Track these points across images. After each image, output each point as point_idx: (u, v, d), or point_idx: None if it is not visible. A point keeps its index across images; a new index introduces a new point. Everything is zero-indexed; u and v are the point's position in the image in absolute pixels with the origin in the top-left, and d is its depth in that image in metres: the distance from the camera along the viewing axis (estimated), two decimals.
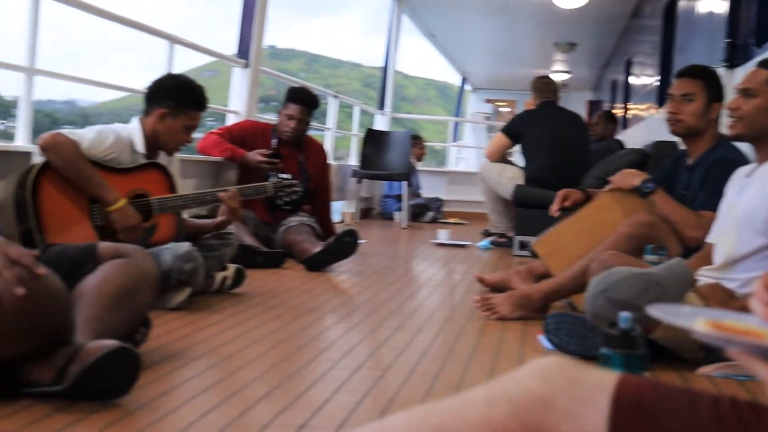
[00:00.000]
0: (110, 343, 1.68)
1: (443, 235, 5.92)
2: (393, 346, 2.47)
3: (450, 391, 1.99)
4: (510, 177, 5.65)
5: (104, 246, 2.06)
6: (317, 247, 4.15)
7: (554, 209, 3.26)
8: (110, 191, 2.87)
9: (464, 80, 15.70)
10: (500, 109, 17.68)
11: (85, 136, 2.89)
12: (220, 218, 3.29)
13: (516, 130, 5.75)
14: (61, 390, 1.64)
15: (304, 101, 4.74)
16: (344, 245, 4.13)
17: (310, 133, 5.00)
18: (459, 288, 3.81)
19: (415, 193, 8.23)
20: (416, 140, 8.57)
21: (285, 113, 4.74)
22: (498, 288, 3.49)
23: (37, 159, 2.86)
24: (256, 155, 4.55)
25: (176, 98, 3.13)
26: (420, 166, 8.91)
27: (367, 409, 1.81)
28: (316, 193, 4.89)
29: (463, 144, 14.60)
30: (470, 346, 2.51)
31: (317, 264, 4.08)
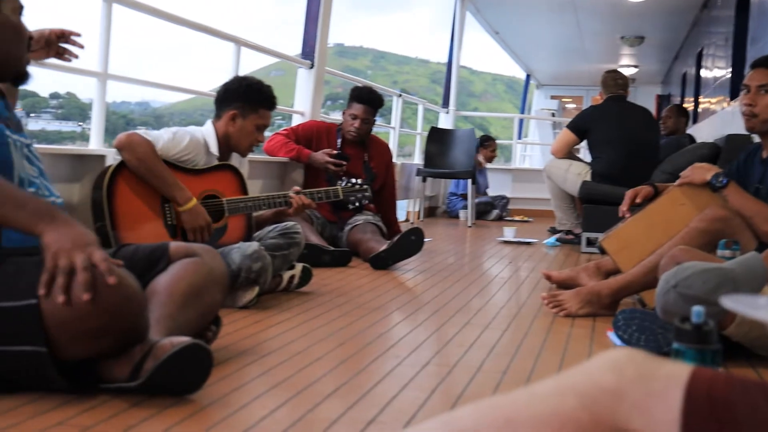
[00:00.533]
0: (183, 339, 1.71)
1: (509, 232, 5.88)
2: (460, 343, 2.47)
3: (518, 387, 1.98)
4: (577, 173, 5.58)
5: (175, 245, 2.10)
6: (383, 246, 4.17)
7: (624, 209, 3.20)
8: (182, 191, 2.94)
9: (529, 77, 15.56)
10: (566, 105, 17.49)
11: (161, 136, 2.97)
12: (280, 209, 3.34)
13: (583, 125, 5.67)
14: (136, 386, 1.68)
15: (368, 100, 4.76)
16: (410, 243, 4.14)
17: (375, 132, 5.02)
18: (526, 285, 3.78)
19: (482, 191, 8.19)
20: (488, 141, 8.50)
21: (349, 113, 4.77)
22: (565, 285, 3.45)
23: (110, 161, 2.94)
24: (322, 155, 4.58)
25: (245, 99, 3.20)
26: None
27: (435, 405, 1.81)
28: (380, 192, 4.91)
29: (528, 141, 14.48)
30: (538, 343, 2.49)
31: (383, 262, 4.10)
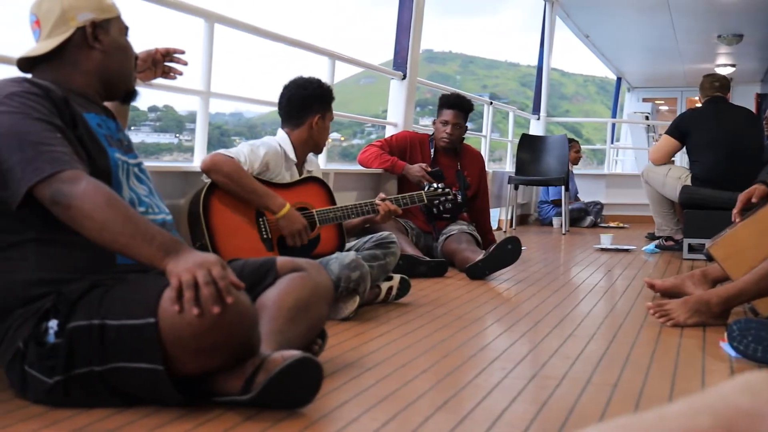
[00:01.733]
0: (294, 353, 1.74)
1: (606, 239, 5.77)
2: (565, 354, 2.43)
3: (631, 401, 1.94)
4: (676, 177, 5.45)
5: (282, 260, 2.14)
6: (479, 255, 4.15)
7: (736, 213, 3.10)
8: (275, 198, 3.01)
9: (620, 79, 15.26)
10: (659, 107, 17.07)
11: (241, 152, 3.05)
12: (368, 216, 3.38)
13: (682, 129, 5.53)
14: (248, 399, 1.71)
15: (457, 104, 4.76)
16: (507, 253, 4.11)
17: (466, 140, 5.01)
18: (628, 294, 3.70)
19: (574, 197, 8.07)
20: (571, 143, 8.37)
21: (440, 120, 4.77)
22: (670, 294, 3.37)
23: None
24: (418, 168, 4.57)
25: (322, 100, 3.32)
26: (577, 169, 8.72)
27: (546, 419, 1.79)
28: (474, 200, 4.89)
29: (621, 145, 14.19)
30: (647, 354, 2.44)
31: (479, 272, 4.08)
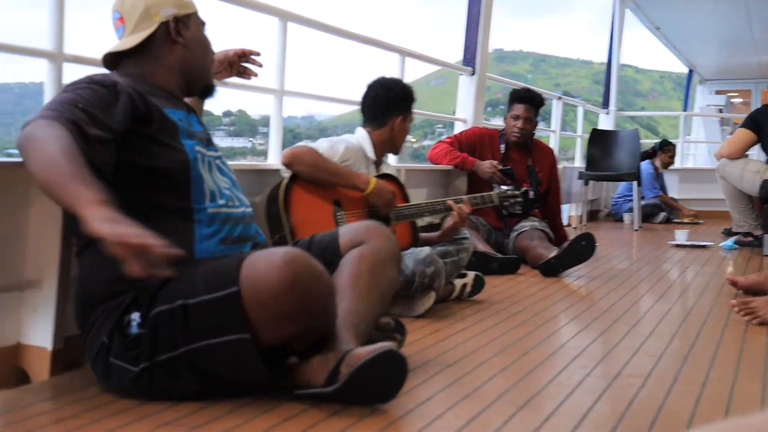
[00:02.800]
0: (379, 346, 1.74)
1: (681, 235, 5.66)
2: (649, 352, 2.39)
3: (721, 401, 1.90)
4: (754, 171, 5.31)
5: (344, 239, 2.12)
6: (552, 252, 4.10)
7: None
8: (360, 176, 3.04)
9: (691, 72, 14.94)
10: (732, 100, 16.65)
11: (320, 145, 3.07)
12: (446, 227, 3.37)
13: (758, 122, 5.38)
14: (332, 391, 1.73)
15: (528, 98, 4.71)
16: (581, 249, 4.05)
17: (536, 135, 4.95)
18: (708, 292, 3.62)
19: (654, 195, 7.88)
20: (667, 146, 8.19)
21: (511, 115, 4.73)
22: (753, 291, 3.28)
23: (286, 174, 3.03)
24: (490, 165, 4.54)
25: (405, 102, 3.32)
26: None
27: (634, 417, 1.76)
28: (545, 196, 4.83)
29: (694, 139, 13.89)
30: (734, 353, 2.38)
31: (553, 269, 4.04)
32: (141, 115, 1.89)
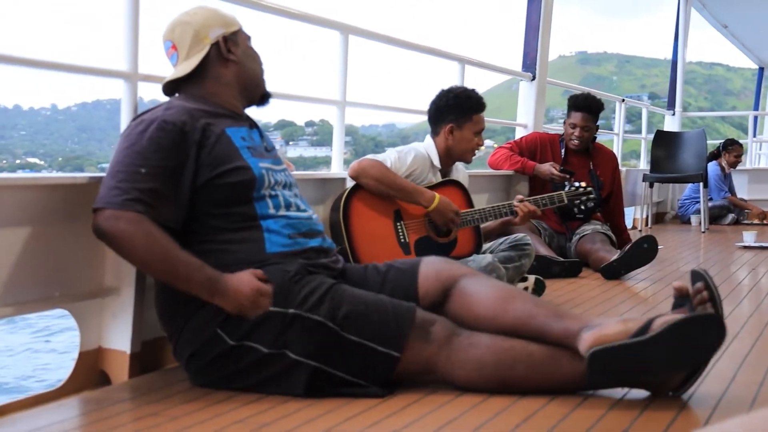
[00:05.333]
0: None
1: (749, 237, 5.59)
2: None
3: None
4: None
5: (423, 279, 2.15)
6: (613, 255, 4.12)
7: None
8: (424, 193, 3.09)
9: (762, 69, 14.61)
10: None
11: (388, 157, 3.14)
12: (506, 219, 3.39)
13: None
14: (648, 338, 1.79)
15: (585, 107, 4.70)
16: (642, 252, 4.05)
17: (599, 139, 4.96)
18: None
19: (722, 196, 7.76)
20: (732, 146, 8.07)
21: (569, 123, 4.74)
22: None
23: (350, 183, 3.13)
24: (548, 167, 4.57)
25: (457, 110, 3.34)
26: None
27: (690, 414, 1.80)
28: (607, 200, 4.84)
29: (765, 139, 13.59)
30: None
31: (614, 272, 4.05)
32: (193, 149, 2.01)
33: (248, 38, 2.27)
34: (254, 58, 2.27)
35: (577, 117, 4.70)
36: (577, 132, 4.69)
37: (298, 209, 2.15)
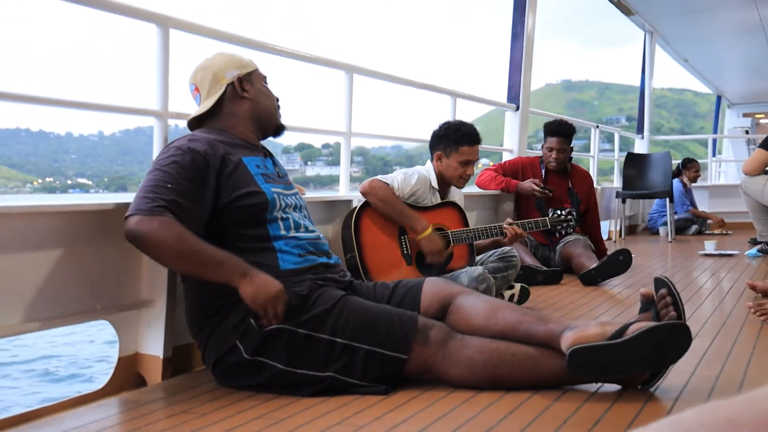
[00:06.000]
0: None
1: (710, 245, 5.59)
2: None
3: (733, 390, 1.92)
4: None
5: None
6: (593, 263, 4.12)
7: None
8: (420, 221, 3.10)
9: (719, 97, 14.63)
10: (759, 121, 16.22)
11: (395, 178, 3.15)
12: (497, 239, 3.41)
13: None
14: (621, 342, 1.78)
15: (560, 132, 4.73)
16: (618, 263, 4.07)
17: (577, 160, 4.97)
18: (731, 295, 3.59)
19: (685, 210, 7.77)
20: (690, 163, 8.09)
21: (546, 147, 4.77)
22: None
23: (356, 203, 3.14)
24: (530, 183, 4.60)
25: (445, 141, 3.37)
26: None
27: (656, 406, 1.80)
28: (585, 214, 4.84)
29: (723, 158, 13.60)
30: (748, 349, 2.38)
31: (592, 279, 4.05)
32: (214, 173, 2.02)
33: (263, 78, 2.29)
34: (267, 95, 2.28)
35: (552, 141, 4.72)
36: (554, 154, 4.71)
37: (306, 230, 2.16)
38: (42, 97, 2.06)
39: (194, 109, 2.25)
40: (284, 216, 2.11)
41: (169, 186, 1.92)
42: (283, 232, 2.09)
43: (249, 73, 2.24)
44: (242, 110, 2.21)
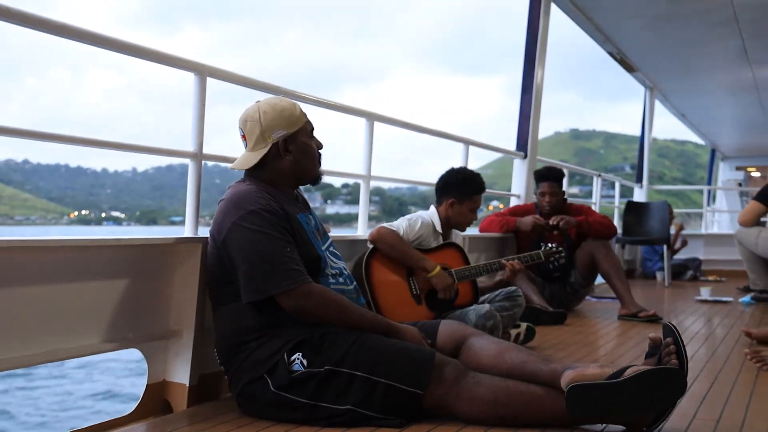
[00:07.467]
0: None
1: (705, 292, 5.54)
2: None
3: None
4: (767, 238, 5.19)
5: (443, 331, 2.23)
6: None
7: None
8: (428, 261, 3.09)
9: (714, 151, 14.64)
10: (751, 174, 16.19)
11: (401, 225, 3.17)
12: (498, 278, 3.41)
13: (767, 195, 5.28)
14: (619, 382, 1.77)
15: (548, 177, 4.75)
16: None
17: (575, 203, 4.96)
18: (727, 341, 3.55)
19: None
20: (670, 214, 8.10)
21: (539, 193, 4.78)
22: (766, 341, 3.21)
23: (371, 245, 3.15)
24: (530, 218, 4.61)
25: (461, 189, 3.38)
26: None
27: None
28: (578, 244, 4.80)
29: (717, 209, 13.56)
30: (746, 394, 2.35)
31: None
32: (289, 229, 2.06)
33: (310, 131, 2.25)
34: (308, 153, 2.23)
35: (543, 186, 4.74)
36: (546, 198, 4.72)
37: (345, 282, 2.20)
38: (93, 139, 2.05)
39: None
40: (333, 272, 2.18)
41: (288, 249, 1.99)
42: (331, 280, 2.15)
43: (296, 131, 2.19)
44: (284, 167, 2.19)
